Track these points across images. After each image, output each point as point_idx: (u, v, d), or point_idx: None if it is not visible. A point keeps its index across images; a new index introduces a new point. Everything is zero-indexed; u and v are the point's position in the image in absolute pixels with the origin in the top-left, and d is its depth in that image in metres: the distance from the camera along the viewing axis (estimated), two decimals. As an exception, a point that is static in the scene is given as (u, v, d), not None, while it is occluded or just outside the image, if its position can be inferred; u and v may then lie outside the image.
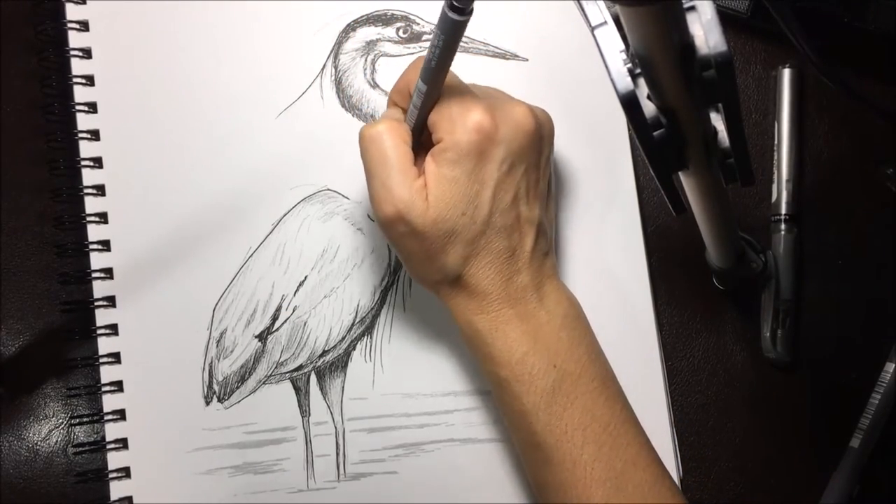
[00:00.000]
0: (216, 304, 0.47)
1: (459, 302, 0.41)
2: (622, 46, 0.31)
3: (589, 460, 0.39)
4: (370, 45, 0.49)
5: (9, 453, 0.48)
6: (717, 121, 0.34)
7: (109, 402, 0.47)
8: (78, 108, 0.48)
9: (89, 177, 0.48)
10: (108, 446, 0.46)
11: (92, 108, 0.48)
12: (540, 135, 0.41)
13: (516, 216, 0.40)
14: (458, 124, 0.38)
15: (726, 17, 0.49)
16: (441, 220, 0.38)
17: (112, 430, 0.46)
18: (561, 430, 0.39)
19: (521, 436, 0.41)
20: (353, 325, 0.48)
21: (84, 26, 0.48)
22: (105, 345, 0.47)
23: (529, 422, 0.39)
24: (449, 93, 0.39)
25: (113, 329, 0.47)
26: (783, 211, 0.49)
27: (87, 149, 0.48)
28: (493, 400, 0.43)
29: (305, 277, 0.48)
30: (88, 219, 0.47)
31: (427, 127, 0.40)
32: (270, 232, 0.48)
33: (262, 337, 0.47)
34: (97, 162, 0.48)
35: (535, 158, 0.41)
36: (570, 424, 0.39)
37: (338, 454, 0.47)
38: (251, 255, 0.48)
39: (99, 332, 0.47)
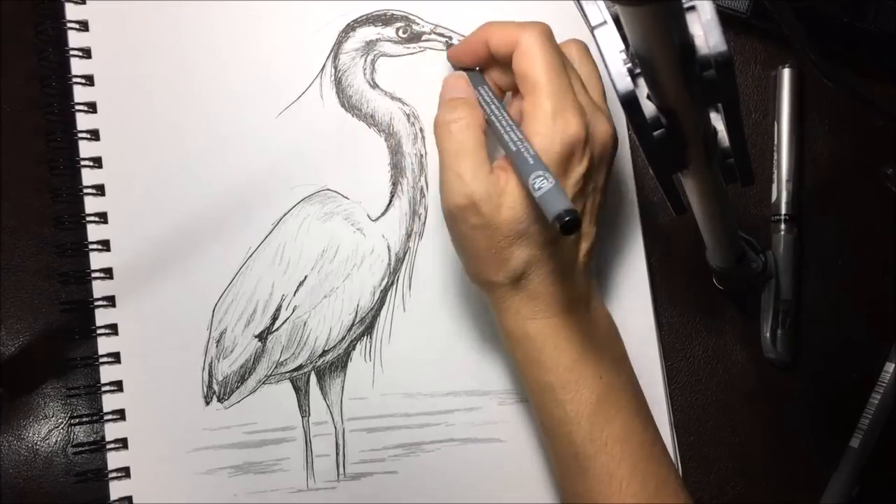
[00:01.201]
0: (216, 304, 0.47)
1: (513, 305, 0.40)
2: (622, 46, 0.31)
3: (625, 475, 0.39)
4: (370, 45, 0.49)
5: (9, 453, 0.47)
6: (717, 121, 0.34)
7: (109, 402, 0.46)
8: (78, 108, 0.48)
9: (89, 177, 0.48)
10: (108, 446, 0.46)
11: (92, 108, 0.48)
12: (614, 156, 0.41)
13: (579, 231, 0.40)
14: (553, 130, 0.37)
15: (726, 17, 0.49)
16: (516, 221, 0.38)
17: (112, 430, 0.46)
18: (601, 442, 0.39)
19: (560, 444, 0.40)
20: (352, 325, 0.48)
21: (84, 26, 0.48)
22: (105, 345, 0.47)
23: (570, 430, 0.39)
24: (549, 88, 0.38)
25: (113, 329, 0.47)
26: (783, 211, 0.50)
27: (87, 149, 0.48)
28: (532, 407, 0.43)
29: (305, 277, 0.48)
30: (88, 219, 0.47)
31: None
32: (270, 232, 0.48)
33: (262, 337, 0.47)
34: (97, 162, 0.48)
35: (605, 179, 0.41)
36: (610, 437, 0.39)
37: (338, 454, 0.47)
38: (251, 255, 0.48)
39: (99, 332, 0.47)
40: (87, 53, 0.48)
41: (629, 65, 0.31)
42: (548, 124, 0.37)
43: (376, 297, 0.48)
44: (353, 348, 0.48)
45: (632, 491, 0.38)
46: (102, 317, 0.47)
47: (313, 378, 0.47)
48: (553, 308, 0.40)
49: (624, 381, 0.41)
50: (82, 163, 0.48)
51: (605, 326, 0.42)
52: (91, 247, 0.47)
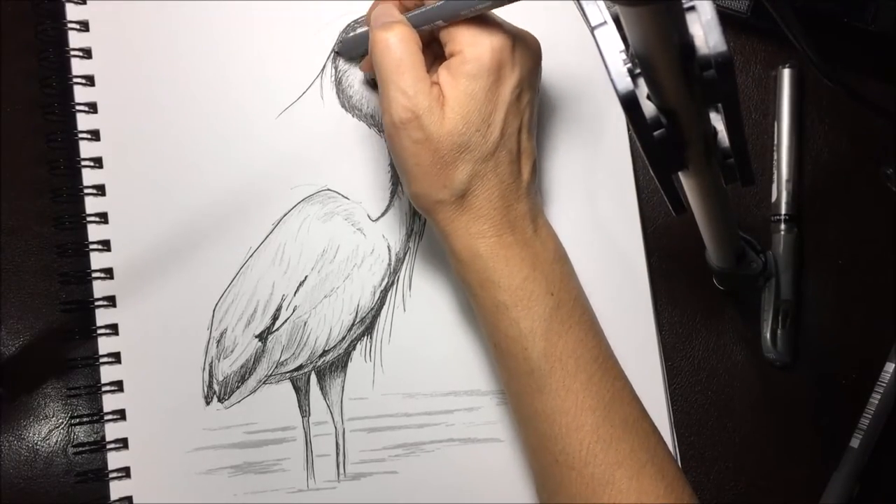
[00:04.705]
0: (216, 304, 0.47)
1: (461, 225, 0.41)
2: (622, 46, 0.31)
3: (580, 388, 0.39)
4: (370, 45, 0.49)
5: (9, 453, 0.48)
6: (717, 121, 0.34)
7: (109, 402, 0.47)
8: (78, 108, 0.48)
9: (89, 177, 0.48)
10: (108, 446, 0.46)
11: (92, 108, 0.48)
12: (541, 71, 0.43)
13: (519, 144, 0.41)
14: (482, 37, 0.39)
15: (726, 17, 0.49)
16: (456, 133, 0.39)
17: (112, 430, 0.46)
18: (556, 357, 0.40)
19: (515, 363, 0.41)
20: (353, 325, 0.48)
21: (84, 26, 0.48)
22: (105, 345, 0.47)
23: (525, 347, 0.40)
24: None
25: (113, 329, 0.47)
26: (783, 211, 0.50)
27: (87, 149, 0.48)
28: (484, 331, 0.43)
29: (305, 277, 0.48)
30: (88, 219, 0.47)
31: (437, 36, 0.41)
32: (271, 232, 0.48)
33: (263, 337, 0.47)
34: (97, 162, 0.48)
35: (535, 93, 0.42)
36: (564, 351, 0.40)
37: (338, 454, 0.47)
38: (251, 255, 0.48)
39: (99, 332, 0.47)
40: (87, 54, 0.48)
41: (629, 65, 0.31)
42: (475, 35, 0.39)
43: (376, 297, 0.48)
44: (354, 348, 0.48)
45: (588, 404, 0.39)
46: (103, 317, 0.47)
47: (313, 378, 0.47)
48: (500, 226, 0.40)
49: (574, 298, 0.42)
50: (83, 163, 0.48)
51: (553, 246, 0.43)
52: (91, 247, 0.47)
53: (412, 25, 0.41)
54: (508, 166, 0.41)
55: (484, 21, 0.39)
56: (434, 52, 0.43)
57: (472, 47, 0.39)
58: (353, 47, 0.48)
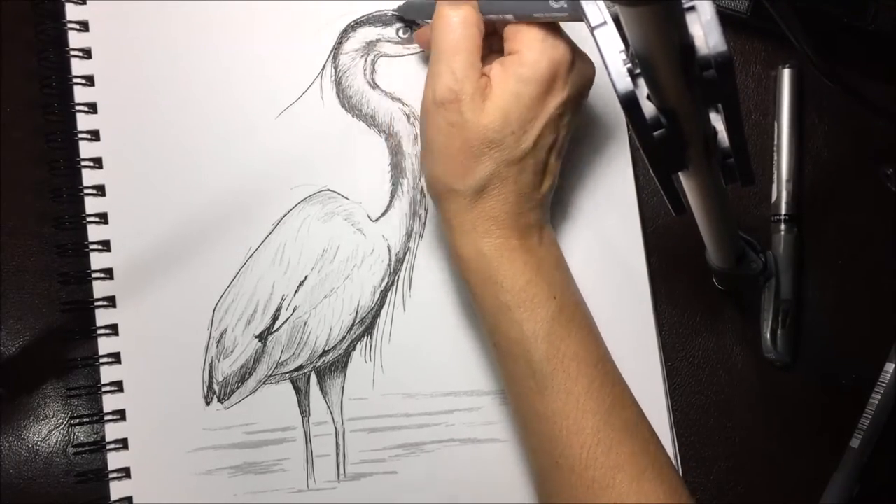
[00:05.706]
0: (216, 304, 0.47)
1: (468, 220, 0.41)
2: (622, 46, 0.31)
3: (581, 392, 0.39)
4: (370, 45, 0.49)
5: (9, 453, 0.48)
6: (717, 121, 0.34)
7: (109, 402, 0.47)
8: (78, 108, 0.48)
9: (89, 177, 0.48)
10: (108, 446, 0.46)
11: (92, 108, 0.48)
12: (587, 96, 0.42)
13: (546, 160, 0.41)
14: (545, 46, 0.39)
15: (726, 17, 0.49)
16: (492, 128, 0.39)
17: (112, 430, 0.46)
18: (558, 360, 0.40)
19: (517, 365, 0.41)
20: (353, 325, 0.48)
21: (84, 26, 0.48)
22: (105, 345, 0.47)
23: (527, 349, 0.40)
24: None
25: (113, 329, 0.47)
26: (783, 211, 0.50)
27: (87, 149, 0.48)
28: (485, 330, 0.43)
29: (305, 277, 0.48)
30: (88, 219, 0.47)
31: (498, 30, 0.41)
32: (270, 232, 0.48)
33: (262, 337, 0.47)
34: (97, 162, 0.48)
35: (576, 118, 0.42)
36: (566, 355, 0.40)
37: (338, 454, 0.47)
38: (251, 255, 0.48)
39: (99, 332, 0.47)
40: (87, 54, 0.48)
41: (629, 65, 0.31)
42: (538, 41, 0.39)
43: (376, 298, 0.48)
44: (354, 348, 0.48)
45: (589, 407, 0.39)
46: (103, 317, 0.47)
47: (313, 378, 0.47)
48: (508, 230, 0.41)
49: (576, 303, 0.42)
50: (82, 163, 0.48)
51: (556, 254, 0.43)
52: (91, 247, 0.47)
53: (481, 11, 0.40)
54: (531, 176, 0.41)
55: (551, 29, 0.39)
56: (489, 46, 0.43)
57: (533, 52, 0.39)
58: (415, 12, 0.47)
